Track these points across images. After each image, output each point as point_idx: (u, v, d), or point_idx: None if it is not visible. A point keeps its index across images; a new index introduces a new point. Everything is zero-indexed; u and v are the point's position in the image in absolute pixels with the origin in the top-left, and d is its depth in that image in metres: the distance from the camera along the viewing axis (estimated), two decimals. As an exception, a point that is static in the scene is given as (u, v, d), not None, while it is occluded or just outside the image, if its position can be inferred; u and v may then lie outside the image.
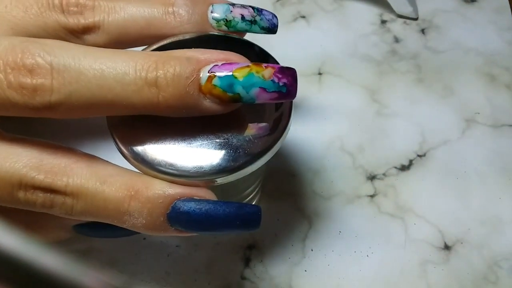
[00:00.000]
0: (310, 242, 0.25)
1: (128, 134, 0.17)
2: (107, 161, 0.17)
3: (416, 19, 0.35)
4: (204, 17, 0.19)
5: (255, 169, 0.18)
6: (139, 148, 0.17)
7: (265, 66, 0.16)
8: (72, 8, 0.18)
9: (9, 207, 0.16)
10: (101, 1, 0.18)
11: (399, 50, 0.33)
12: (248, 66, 0.16)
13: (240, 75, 0.16)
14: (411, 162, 0.28)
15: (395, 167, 0.28)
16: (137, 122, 0.17)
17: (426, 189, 0.27)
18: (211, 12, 0.19)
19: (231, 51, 0.17)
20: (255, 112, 0.18)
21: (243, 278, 0.24)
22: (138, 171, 0.17)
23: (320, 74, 0.32)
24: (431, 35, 0.34)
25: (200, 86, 0.16)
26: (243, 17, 0.19)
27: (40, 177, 0.16)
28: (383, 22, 0.35)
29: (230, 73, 0.16)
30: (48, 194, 0.16)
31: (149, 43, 0.19)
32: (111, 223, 0.17)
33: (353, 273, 0.24)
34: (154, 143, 0.17)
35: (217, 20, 0.19)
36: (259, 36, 0.33)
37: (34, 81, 0.15)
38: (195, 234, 0.18)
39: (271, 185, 0.27)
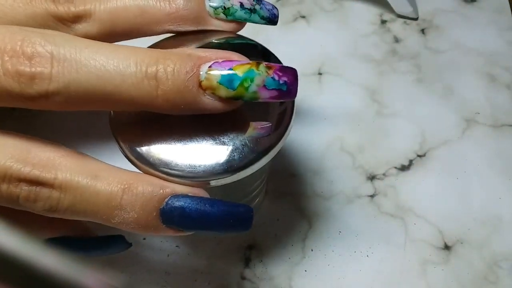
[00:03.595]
0: (310, 242, 0.25)
1: (128, 132, 0.17)
2: (97, 159, 0.17)
3: (416, 19, 0.35)
4: (201, 5, 0.19)
5: (251, 172, 0.17)
6: (138, 146, 0.17)
7: (265, 64, 0.16)
8: None
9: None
10: None
11: (399, 50, 0.33)
12: (248, 63, 0.16)
13: (240, 71, 0.16)
14: (411, 162, 0.28)
15: (395, 167, 0.28)
16: (139, 121, 0.17)
17: (426, 189, 0.27)
18: None
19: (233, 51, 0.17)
20: (256, 114, 0.18)
21: (243, 278, 0.24)
22: (138, 170, 0.17)
23: (320, 74, 0.32)
24: (431, 35, 0.34)
25: (199, 81, 0.16)
26: (242, 5, 0.19)
27: (27, 169, 0.15)
28: (383, 22, 0.35)
29: (231, 69, 0.16)
30: (34, 187, 0.15)
31: (145, 34, 0.19)
32: (96, 221, 0.16)
33: (353, 273, 0.24)
34: (153, 142, 0.17)
35: (215, 8, 0.19)
36: (261, 36, 0.33)
37: (33, 69, 0.15)
38: (185, 234, 0.17)
39: (271, 185, 0.27)
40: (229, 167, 0.17)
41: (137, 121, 0.18)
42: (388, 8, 0.35)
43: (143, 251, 0.25)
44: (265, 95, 0.16)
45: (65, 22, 0.18)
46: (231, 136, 0.17)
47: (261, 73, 0.16)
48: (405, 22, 0.35)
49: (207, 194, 0.17)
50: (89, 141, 0.27)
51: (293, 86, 0.17)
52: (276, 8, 0.20)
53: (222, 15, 0.19)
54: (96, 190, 0.16)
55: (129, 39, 0.19)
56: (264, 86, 0.16)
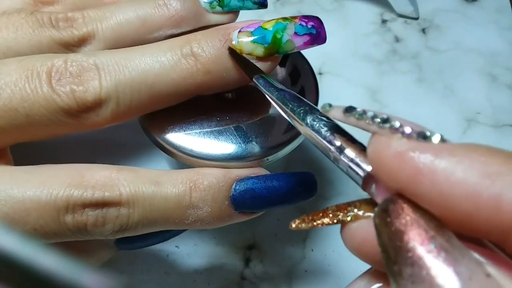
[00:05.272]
0: (310, 242, 0.25)
1: (162, 131, 0.18)
2: (147, 168, 0.17)
3: (416, 18, 0.35)
4: (196, 3, 0.19)
5: (300, 142, 0.18)
6: (180, 141, 0.17)
7: (290, 16, 0.17)
8: (62, 23, 0.18)
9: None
10: (90, 12, 0.18)
11: (400, 50, 0.33)
12: (273, 19, 0.17)
13: (269, 25, 0.17)
14: (411, 162, 0.28)
15: (396, 167, 0.28)
16: (168, 117, 0.18)
17: (426, 189, 0.27)
18: None
19: None
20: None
21: (243, 278, 0.24)
22: (188, 166, 0.17)
23: (320, 74, 0.32)
24: (431, 35, 0.34)
25: (234, 46, 0.17)
26: None
27: (89, 193, 0.15)
28: (384, 21, 0.35)
29: (260, 27, 0.17)
30: (100, 210, 0.15)
31: (148, 41, 0.19)
32: (168, 227, 0.16)
33: (353, 274, 0.24)
34: (189, 132, 0.17)
35: (210, 2, 0.19)
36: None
37: (85, 84, 0.15)
38: (258, 214, 0.17)
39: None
40: (281, 140, 0.17)
41: (166, 118, 0.18)
42: (389, 7, 0.35)
43: (143, 252, 0.25)
44: (298, 41, 0.17)
45: (70, 48, 0.18)
46: (267, 114, 0.18)
47: (289, 22, 0.17)
48: (405, 21, 0.35)
49: (267, 172, 0.17)
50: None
51: (321, 29, 0.17)
52: None
53: (218, 8, 0.19)
54: (163, 195, 0.16)
55: None
56: (295, 33, 0.17)
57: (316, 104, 0.19)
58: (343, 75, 0.32)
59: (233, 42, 0.16)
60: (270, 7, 0.35)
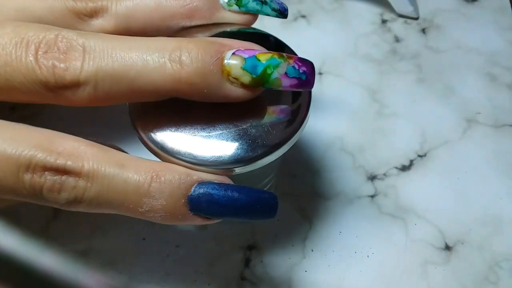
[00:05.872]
0: (310, 243, 0.25)
1: (149, 123, 0.18)
2: (120, 149, 0.17)
3: (416, 18, 0.35)
4: None
5: (273, 159, 0.18)
6: (159, 137, 0.17)
7: (286, 54, 0.17)
8: None
9: None
10: None
11: (400, 50, 0.33)
12: (270, 52, 0.17)
13: (263, 58, 0.16)
14: (411, 162, 0.28)
15: (396, 167, 0.28)
16: (158, 111, 0.18)
17: (427, 189, 0.27)
18: None
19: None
20: (274, 103, 0.18)
21: (243, 278, 0.24)
22: (158, 159, 0.18)
23: (320, 74, 0.32)
24: (431, 35, 0.34)
25: (223, 66, 0.16)
26: None
27: (52, 158, 0.15)
28: (384, 21, 0.35)
29: (254, 56, 0.16)
30: (59, 177, 0.15)
31: (160, 29, 0.19)
32: (121, 211, 0.17)
33: (353, 274, 0.24)
34: (175, 131, 0.17)
35: (228, 0, 0.19)
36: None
37: (67, 62, 0.16)
38: (212, 222, 0.17)
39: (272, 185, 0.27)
40: (252, 154, 0.17)
41: (156, 110, 0.18)
42: (389, 7, 0.35)
43: (142, 251, 0.25)
44: (286, 82, 0.17)
45: (82, 17, 0.18)
46: (252, 123, 0.18)
47: (283, 61, 0.17)
48: (405, 21, 0.35)
49: (232, 182, 0.17)
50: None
51: (312, 76, 0.17)
52: (286, 5, 0.21)
53: (235, 7, 0.19)
54: (123, 178, 0.16)
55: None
56: (286, 73, 0.17)
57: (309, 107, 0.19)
58: (343, 75, 0.32)
59: (224, 62, 0.16)
60: (270, 7, 0.35)
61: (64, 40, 0.16)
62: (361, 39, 0.33)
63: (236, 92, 0.17)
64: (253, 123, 0.18)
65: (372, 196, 0.27)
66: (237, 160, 0.17)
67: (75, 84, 0.16)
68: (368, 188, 0.27)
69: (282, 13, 0.20)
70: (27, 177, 0.15)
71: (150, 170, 0.16)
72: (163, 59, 0.16)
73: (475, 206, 0.27)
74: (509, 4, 0.35)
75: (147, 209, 0.16)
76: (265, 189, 0.24)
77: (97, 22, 0.19)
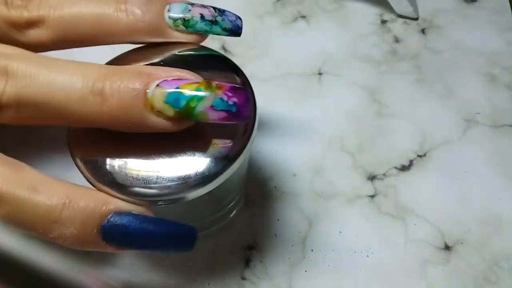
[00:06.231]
0: (310, 242, 0.25)
1: (85, 145, 0.17)
2: (36, 169, 0.16)
3: (416, 19, 0.35)
4: (160, 16, 0.18)
5: (199, 195, 0.17)
6: (92, 159, 0.17)
7: (216, 84, 0.16)
8: (16, 2, 0.17)
9: None
10: None
11: (399, 50, 0.33)
12: (197, 82, 0.16)
13: (187, 90, 0.15)
14: (411, 162, 0.28)
15: (395, 167, 0.28)
16: (96, 133, 0.17)
17: (426, 189, 0.27)
18: (168, 11, 0.18)
19: (204, 66, 0.17)
20: (215, 130, 0.17)
21: (243, 278, 0.24)
22: (88, 183, 0.17)
23: (320, 74, 0.32)
24: (431, 35, 0.34)
25: (146, 99, 0.15)
26: (202, 17, 0.18)
27: None
28: (383, 22, 0.35)
29: (177, 88, 0.15)
30: None
31: (102, 43, 0.18)
32: (32, 234, 0.16)
33: (353, 274, 0.24)
34: (107, 155, 0.17)
35: (174, 20, 0.18)
36: (261, 36, 0.33)
37: None
38: (125, 251, 0.17)
39: (271, 185, 0.27)
40: (182, 186, 0.16)
41: (94, 134, 0.17)
42: (388, 8, 0.35)
43: (143, 251, 0.25)
44: (213, 116, 0.16)
45: (17, 27, 0.17)
46: (190, 152, 0.17)
47: (209, 93, 0.15)
48: (405, 22, 0.35)
49: (151, 213, 0.17)
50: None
51: (244, 107, 0.16)
52: (240, 20, 0.19)
53: (182, 27, 0.18)
54: (34, 203, 0.15)
55: (85, 47, 0.19)
56: (212, 106, 0.15)
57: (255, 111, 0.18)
58: (343, 75, 0.32)
59: (148, 93, 0.15)
60: (270, 7, 0.35)
61: None
62: (360, 40, 0.34)
63: (162, 124, 0.16)
64: (191, 152, 0.17)
65: (372, 196, 0.27)
66: (163, 194, 0.16)
67: None
68: (367, 188, 0.27)
69: (234, 32, 0.19)
70: None
71: (63, 196, 0.15)
72: (86, 90, 0.15)
73: (475, 206, 0.27)
74: (508, 5, 0.35)
75: (56, 235, 0.16)
76: (230, 205, 0.23)
77: (33, 32, 0.18)
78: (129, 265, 0.24)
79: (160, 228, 0.16)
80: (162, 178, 0.16)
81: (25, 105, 0.15)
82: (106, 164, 0.17)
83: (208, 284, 0.24)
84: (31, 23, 0.17)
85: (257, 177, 0.27)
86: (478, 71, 0.32)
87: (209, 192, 0.17)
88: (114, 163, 0.17)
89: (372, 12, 0.35)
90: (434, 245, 0.25)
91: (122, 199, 0.16)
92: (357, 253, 0.25)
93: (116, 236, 0.16)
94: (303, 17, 0.35)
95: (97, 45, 0.18)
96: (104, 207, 0.16)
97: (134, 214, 0.16)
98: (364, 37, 0.34)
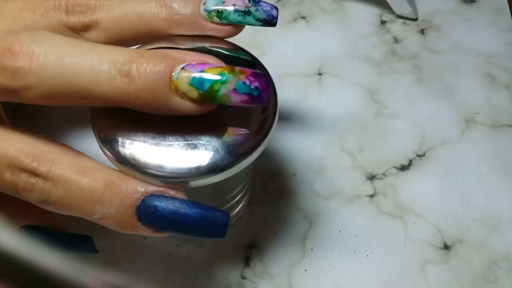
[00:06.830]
0: (310, 242, 0.25)
1: (110, 131, 0.18)
2: (93, 159, 0.18)
3: (415, 19, 0.35)
4: (196, 10, 0.19)
5: (232, 174, 0.17)
6: (118, 145, 0.17)
7: (238, 69, 0.16)
8: (77, 8, 0.19)
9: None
10: (102, 1, 0.19)
11: (399, 51, 0.33)
12: (220, 66, 0.16)
13: (211, 73, 0.16)
14: (410, 162, 0.28)
15: (395, 167, 0.28)
16: (120, 117, 0.18)
17: (425, 189, 0.27)
18: (204, 3, 0.19)
19: (221, 59, 0.17)
20: (238, 116, 0.18)
21: (243, 277, 0.24)
22: (116, 168, 0.18)
23: (320, 74, 0.32)
24: (430, 36, 0.34)
25: (171, 81, 0.16)
26: (235, 8, 0.19)
27: (28, 160, 0.16)
28: (383, 22, 0.35)
29: (202, 71, 0.16)
30: (31, 178, 0.17)
31: (147, 38, 0.19)
32: (81, 215, 0.17)
33: (352, 273, 0.25)
34: (135, 141, 0.17)
35: (208, 12, 0.19)
36: (261, 36, 0.33)
37: (16, 64, 0.16)
38: (162, 235, 0.18)
39: (271, 185, 0.27)
40: (209, 168, 0.17)
41: (118, 120, 0.18)
42: (388, 8, 0.35)
43: (143, 251, 0.25)
44: (235, 99, 0.16)
45: (76, 31, 0.19)
46: (211, 137, 0.17)
47: (232, 76, 0.16)
48: (404, 22, 0.35)
49: (185, 196, 0.17)
50: (84, 139, 0.27)
51: (265, 92, 0.16)
52: (276, 8, 0.20)
53: (216, 19, 0.19)
54: (81, 185, 0.17)
55: (136, 45, 0.20)
56: (235, 89, 0.16)
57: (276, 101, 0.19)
58: (343, 75, 0.32)
59: (173, 75, 0.16)
60: (269, 8, 0.35)
61: (16, 42, 0.16)
62: (360, 40, 0.34)
63: (186, 106, 0.17)
64: (214, 135, 0.17)
65: (371, 196, 0.27)
66: (192, 174, 0.17)
67: (23, 88, 0.16)
68: (367, 187, 0.27)
69: (268, 22, 0.19)
70: (7, 174, 0.17)
71: (106, 180, 0.17)
72: (113, 72, 0.16)
73: (474, 205, 0.27)
74: (507, 6, 0.36)
75: (100, 216, 0.17)
76: (235, 200, 0.23)
77: (90, 35, 0.19)
78: (130, 265, 0.24)
79: (191, 211, 0.17)
80: (188, 160, 0.17)
81: (53, 86, 0.16)
82: (125, 144, 0.17)
83: (209, 283, 0.24)
84: (87, 27, 0.19)
85: (257, 177, 0.27)
86: (477, 72, 0.32)
87: (215, 183, 0.17)
88: (139, 146, 0.17)
89: (372, 13, 0.35)
90: (433, 244, 0.25)
91: (155, 183, 0.17)
92: (356, 253, 0.25)
93: (148, 217, 0.17)
94: (303, 17, 0.35)
95: (140, 43, 0.20)
96: (139, 189, 0.17)
97: (166, 196, 0.17)
98: (363, 37, 0.34)
